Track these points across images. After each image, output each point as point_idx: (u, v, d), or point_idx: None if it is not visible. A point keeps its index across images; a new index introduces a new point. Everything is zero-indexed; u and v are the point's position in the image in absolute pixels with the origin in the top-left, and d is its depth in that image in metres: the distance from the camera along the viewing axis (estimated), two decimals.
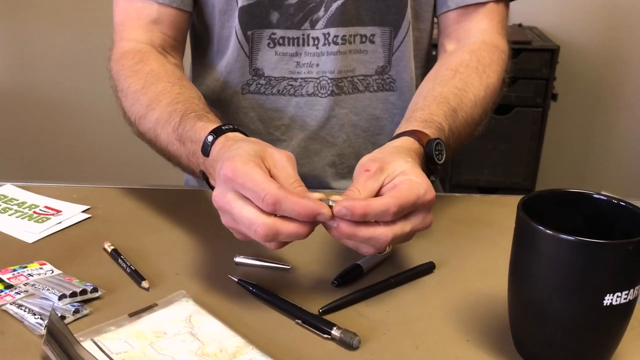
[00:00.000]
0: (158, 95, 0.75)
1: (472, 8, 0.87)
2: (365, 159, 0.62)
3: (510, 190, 2.16)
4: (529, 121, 2.16)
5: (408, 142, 0.67)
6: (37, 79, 2.38)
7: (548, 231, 0.48)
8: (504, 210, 0.80)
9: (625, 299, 0.48)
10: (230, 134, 0.64)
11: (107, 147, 2.44)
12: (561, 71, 2.21)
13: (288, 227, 0.55)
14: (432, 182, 0.64)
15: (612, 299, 0.48)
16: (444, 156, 0.68)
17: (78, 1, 2.30)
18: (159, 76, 0.78)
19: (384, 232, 0.57)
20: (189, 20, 0.89)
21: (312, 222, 0.56)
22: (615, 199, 0.53)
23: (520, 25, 2.30)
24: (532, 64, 2.08)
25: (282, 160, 0.59)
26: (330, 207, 0.56)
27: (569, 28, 2.33)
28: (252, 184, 0.55)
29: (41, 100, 2.41)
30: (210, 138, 0.64)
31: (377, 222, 0.57)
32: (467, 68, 0.81)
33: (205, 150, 0.64)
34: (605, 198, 0.54)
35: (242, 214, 0.56)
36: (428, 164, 0.67)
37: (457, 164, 2.23)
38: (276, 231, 0.55)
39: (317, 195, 0.58)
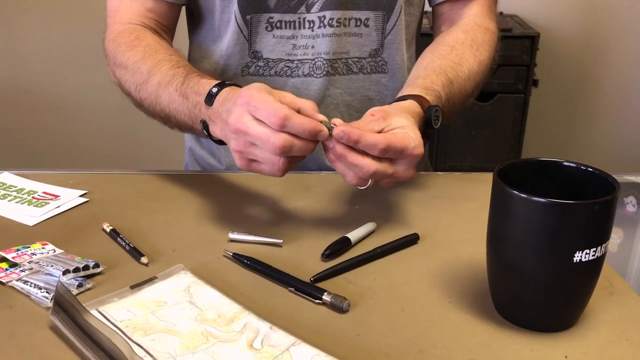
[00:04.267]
0: (158, 63, 0.82)
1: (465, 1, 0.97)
2: (373, 108, 0.72)
3: None
4: (510, 107, 2.20)
5: (412, 105, 0.77)
6: (31, 72, 2.40)
7: (521, 194, 0.52)
8: (483, 186, 0.83)
9: (593, 255, 0.52)
10: (233, 86, 0.74)
11: (100, 137, 2.46)
12: (541, 57, 2.26)
13: (299, 141, 0.64)
14: (425, 144, 0.75)
15: (581, 256, 0.52)
16: (439, 122, 0.78)
17: None
18: (156, 48, 0.85)
19: (368, 163, 0.66)
20: (179, 11, 0.95)
21: (315, 140, 0.65)
22: (583, 165, 0.57)
23: (501, 13, 2.34)
24: (513, 50, 2.13)
25: (284, 93, 0.67)
26: (330, 130, 0.66)
27: (549, 15, 2.38)
28: (264, 104, 0.63)
29: (35, 93, 2.43)
30: (215, 89, 0.73)
31: (366, 154, 0.66)
32: (462, 45, 0.90)
33: (210, 99, 0.73)
34: (574, 165, 0.58)
35: (258, 131, 0.64)
36: (425, 127, 0.78)
37: (441, 150, 2.27)
38: (291, 143, 0.63)
39: (320, 117, 0.66)
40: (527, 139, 2.30)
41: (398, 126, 0.69)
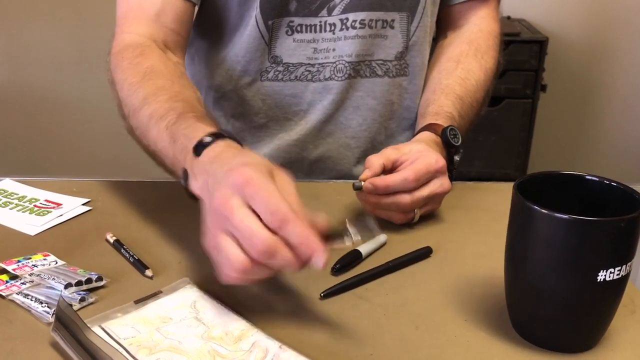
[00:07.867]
0: (156, 91, 0.73)
1: (478, 1, 0.97)
2: (386, 148, 0.76)
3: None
4: (518, 112, 2.18)
5: (426, 135, 0.81)
6: (34, 76, 2.38)
7: (543, 210, 0.49)
8: (497, 197, 0.82)
9: (618, 274, 0.50)
10: (230, 141, 0.63)
11: (104, 143, 2.45)
12: (550, 62, 2.23)
13: (286, 253, 0.51)
14: (457, 161, 0.82)
15: (605, 275, 0.50)
16: (460, 138, 0.81)
17: (73, 1, 2.31)
18: (158, 72, 0.76)
19: (403, 197, 0.71)
20: (193, 14, 0.89)
21: (305, 262, 0.52)
22: (606, 179, 0.55)
23: (508, 17, 2.32)
24: (521, 55, 2.10)
25: (287, 182, 0.56)
26: (360, 188, 0.71)
27: (557, 20, 2.36)
28: (265, 195, 0.52)
29: (37, 97, 2.41)
30: (208, 139, 0.62)
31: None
32: (467, 57, 0.93)
33: (199, 149, 0.62)
34: (597, 179, 0.55)
35: (244, 223, 0.51)
36: (448, 148, 0.81)
37: None
38: (275, 251, 0.51)
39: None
40: (535, 145, 2.28)
41: (415, 152, 0.74)
